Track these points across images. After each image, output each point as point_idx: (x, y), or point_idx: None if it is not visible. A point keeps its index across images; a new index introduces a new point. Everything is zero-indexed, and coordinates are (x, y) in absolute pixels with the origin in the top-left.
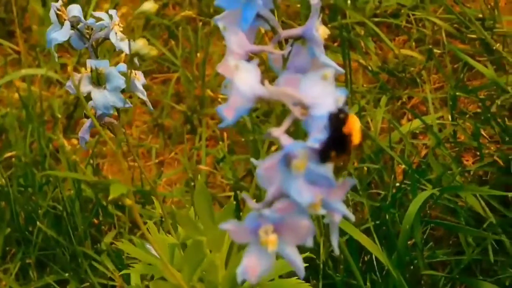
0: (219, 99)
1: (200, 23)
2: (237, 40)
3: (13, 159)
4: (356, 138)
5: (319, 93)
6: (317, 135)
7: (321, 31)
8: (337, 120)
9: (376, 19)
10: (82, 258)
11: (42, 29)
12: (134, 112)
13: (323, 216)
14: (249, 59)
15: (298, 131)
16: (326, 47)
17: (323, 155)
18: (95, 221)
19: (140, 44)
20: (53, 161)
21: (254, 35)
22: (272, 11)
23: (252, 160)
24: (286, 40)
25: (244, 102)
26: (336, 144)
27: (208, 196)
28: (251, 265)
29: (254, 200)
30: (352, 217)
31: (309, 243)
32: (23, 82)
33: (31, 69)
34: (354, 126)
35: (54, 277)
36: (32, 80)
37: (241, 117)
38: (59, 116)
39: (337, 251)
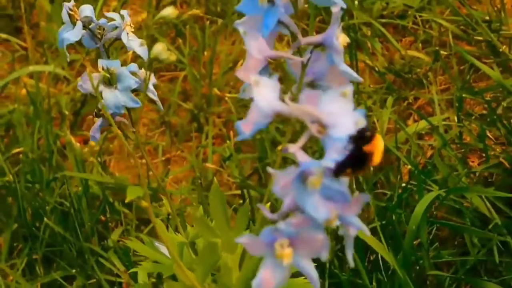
0: (226, 98)
1: (208, 22)
2: (257, 46)
3: (21, 155)
4: (377, 158)
5: (338, 112)
6: (334, 156)
7: (341, 39)
8: (360, 139)
9: (383, 20)
10: (89, 255)
11: (50, 26)
12: (141, 109)
13: None
14: (268, 63)
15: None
16: None
17: (339, 171)
18: (102, 218)
19: (160, 49)
20: (60, 157)
21: (274, 41)
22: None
23: (269, 169)
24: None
25: (263, 118)
26: (355, 162)
27: (223, 198)
28: (266, 277)
29: (264, 202)
30: (368, 232)
31: (324, 256)
32: (30, 79)
33: (39, 66)
34: (378, 146)
35: (61, 273)
36: (39, 77)
37: (258, 131)
38: (67, 113)
39: (351, 264)
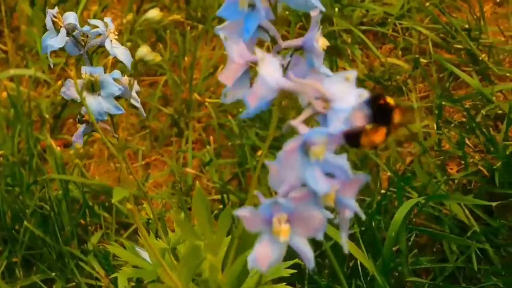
0: (206, 103)
1: (188, 27)
2: (238, 50)
3: (1, 158)
4: (397, 117)
5: (342, 90)
6: (338, 125)
7: (321, 42)
8: (377, 100)
9: (363, 27)
10: (68, 258)
11: (30, 29)
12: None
13: None
14: (249, 67)
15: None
16: None
17: (353, 136)
18: (82, 221)
19: (145, 51)
20: (40, 161)
21: (254, 45)
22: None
23: (267, 162)
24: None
25: (268, 92)
26: (378, 116)
27: (206, 201)
28: (262, 253)
29: (239, 204)
30: (363, 216)
31: (320, 236)
32: (11, 82)
33: (20, 70)
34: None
35: (41, 276)
36: (19, 80)
37: (261, 111)
38: (47, 116)
39: (346, 249)
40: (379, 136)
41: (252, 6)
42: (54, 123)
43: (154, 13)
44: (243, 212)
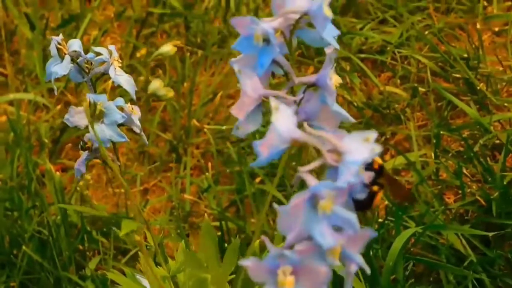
0: (205, 129)
1: (188, 53)
2: (251, 84)
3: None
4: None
5: (356, 145)
6: (348, 178)
7: (334, 80)
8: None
9: (361, 55)
10: (66, 284)
11: (30, 53)
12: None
13: None
14: (262, 102)
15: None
16: None
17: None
18: (80, 247)
19: (157, 85)
20: (38, 185)
21: (268, 79)
22: (286, 57)
23: (275, 205)
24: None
25: (280, 142)
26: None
27: (214, 234)
28: None
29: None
30: (368, 270)
31: None
32: (10, 106)
33: (19, 94)
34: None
35: None
36: (19, 103)
37: (272, 159)
38: (46, 141)
39: None
40: (378, 198)
41: (266, 40)
42: (53, 148)
43: (167, 48)
44: (248, 263)
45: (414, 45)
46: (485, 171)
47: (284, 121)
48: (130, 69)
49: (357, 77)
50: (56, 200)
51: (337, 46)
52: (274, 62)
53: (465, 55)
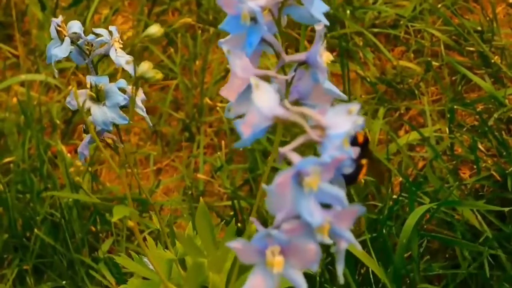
0: (218, 107)
1: (199, 31)
2: (241, 64)
3: (11, 164)
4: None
5: (340, 119)
6: (333, 153)
7: (324, 57)
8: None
9: (375, 30)
10: (79, 266)
11: (41, 34)
12: (132, 118)
13: None
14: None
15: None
16: None
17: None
18: (93, 228)
19: (146, 67)
20: (50, 166)
21: (258, 59)
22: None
23: (263, 185)
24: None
25: (262, 120)
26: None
27: (209, 218)
28: (255, 286)
29: (253, 214)
30: (359, 247)
31: (315, 268)
32: (21, 87)
33: (30, 75)
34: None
35: (51, 284)
36: (30, 84)
37: (257, 139)
38: (58, 122)
39: (341, 280)
40: (364, 171)
41: (254, 19)
42: (65, 129)
43: (154, 29)
44: (236, 244)
45: (428, 18)
46: (500, 145)
47: (265, 99)
48: (142, 48)
49: (370, 52)
50: (68, 182)
51: (326, 22)
52: (264, 41)
53: (479, 28)
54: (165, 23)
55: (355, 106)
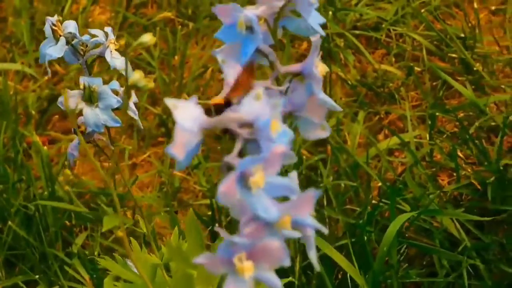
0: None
1: (179, 26)
2: (235, 74)
3: None
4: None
5: (259, 108)
6: (268, 145)
7: (320, 68)
8: None
9: (356, 32)
10: (52, 260)
11: (18, 21)
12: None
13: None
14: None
15: None
16: (306, 57)
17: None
18: (67, 223)
19: (138, 77)
20: (25, 157)
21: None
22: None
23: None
24: None
25: (191, 137)
26: None
27: (199, 229)
28: None
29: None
30: (325, 230)
31: (286, 263)
32: None
33: (6, 64)
34: None
35: (23, 277)
36: (6, 73)
37: (192, 156)
38: (33, 112)
39: (317, 267)
40: None
41: (250, 29)
42: (40, 119)
43: (148, 38)
44: (201, 260)
45: (410, 22)
46: (480, 153)
47: (186, 116)
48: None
49: (351, 54)
50: (43, 174)
51: (323, 33)
52: (258, 51)
53: (462, 35)
54: (144, 15)
55: (259, 90)
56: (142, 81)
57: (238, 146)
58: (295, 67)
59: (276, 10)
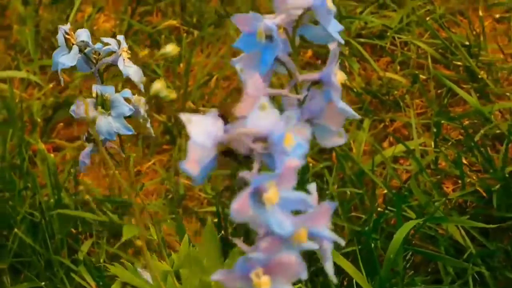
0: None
1: (184, 34)
2: (253, 83)
3: None
4: None
5: (270, 121)
6: (282, 160)
7: (339, 76)
8: None
9: (361, 40)
10: (58, 267)
11: (23, 29)
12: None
13: None
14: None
15: None
16: (311, 65)
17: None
18: (73, 230)
19: (159, 86)
20: (30, 164)
21: (270, 78)
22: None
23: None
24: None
25: (205, 152)
26: None
27: (217, 239)
28: None
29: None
30: (342, 242)
31: (303, 276)
32: (2, 83)
33: (11, 72)
34: None
35: (28, 284)
36: (11, 81)
37: (207, 171)
38: (38, 120)
39: (334, 280)
40: None
41: (269, 37)
42: (45, 127)
43: (171, 48)
44: (219, 276)
45: (415, 30)
46: (486, 161)
47: (201, 131)
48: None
49: (356, 62)
50: (49, 182)
51: (342, 41)
52: (276, 59)
53: (466, 43)
54: (149, 23)
55: (264, 101)
56: (164, 91)
57: (257, 163)
58: (313, 75)
59: (294, 18)
